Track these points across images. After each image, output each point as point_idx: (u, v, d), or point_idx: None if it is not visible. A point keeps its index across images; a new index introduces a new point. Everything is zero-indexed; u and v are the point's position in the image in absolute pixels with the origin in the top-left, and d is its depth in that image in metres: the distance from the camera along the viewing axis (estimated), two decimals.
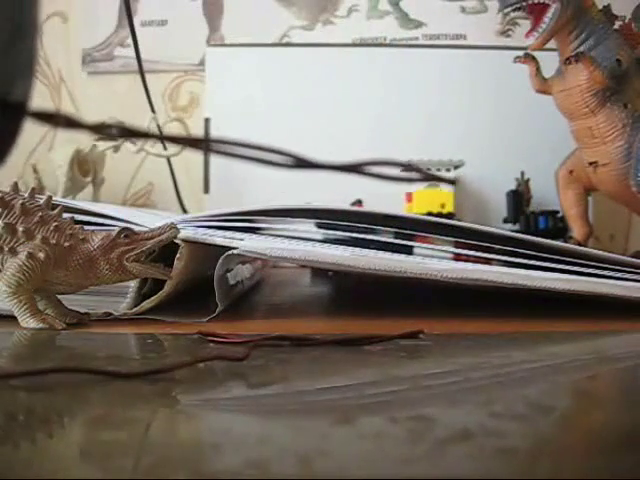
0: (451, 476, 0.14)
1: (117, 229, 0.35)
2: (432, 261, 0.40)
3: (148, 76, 0.93)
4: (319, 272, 0.68)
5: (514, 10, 0.62)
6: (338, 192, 0.91)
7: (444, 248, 0.43)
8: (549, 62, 0.65)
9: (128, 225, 0.37)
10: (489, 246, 0.41)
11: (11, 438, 0.17)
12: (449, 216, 0.80)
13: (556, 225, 0.78)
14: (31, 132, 1.08)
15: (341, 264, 0.38)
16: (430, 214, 0.80)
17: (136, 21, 0.92)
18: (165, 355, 0.31)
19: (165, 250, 0.36)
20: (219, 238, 0.38)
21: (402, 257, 0.40)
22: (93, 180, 0.92)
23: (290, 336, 0.30)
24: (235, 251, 0.37)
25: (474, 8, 1.06)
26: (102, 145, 0.91)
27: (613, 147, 0.62)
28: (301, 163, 0.16)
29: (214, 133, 0.98)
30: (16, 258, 0.33)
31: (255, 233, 0.41)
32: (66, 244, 0.34)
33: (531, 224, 0.80)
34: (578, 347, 0.33)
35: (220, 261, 0.37)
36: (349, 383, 0.24)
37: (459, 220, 0.71)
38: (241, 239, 0.39)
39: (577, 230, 0.71)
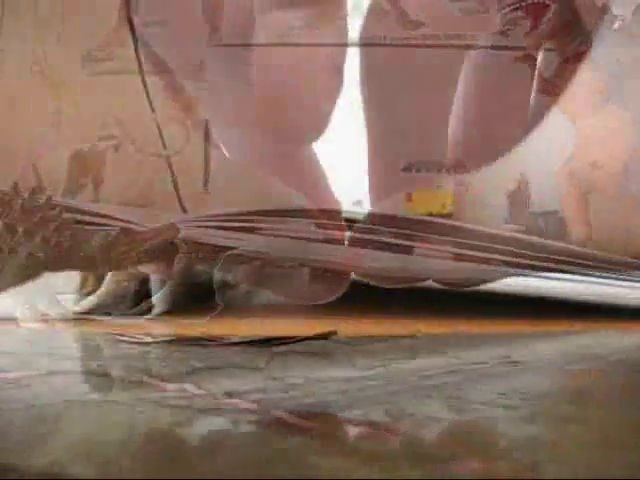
0: (451, 476, 0.14)
1: (117, 229, 0.35)
2: (432, 261, 0.40)
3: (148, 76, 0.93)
4: None
5: (513, 10, 0.62)
6: (338, 192, 0.92)
7: (444, 248, 0.43)
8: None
9: (128, 225, 0.37)
10: (489, 246, 0.41)
11: (13, 436, 0.17)
12: (449, 216, 0.80)
13: (556, 225, 0.78)
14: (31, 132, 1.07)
15: (341, 264, 0.38)
16: (430, 214, 0.80)
17: (136, 21, 0.92)
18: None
19: (165, 250, 0.36)
20: (219, 238, 0.38)
21: (402, 257, 0.40)
22: (93, 180, 0.92)
23: (290, 336, 0.30)
24: (235, 251, 0.36)
25: (474, 8, 1.06)
26: (102, 145, 0.91)
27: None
28: None
29: (214, 133, 0.98)
30: (16, 258, 0.33)
31: (255, 233, 0.41)
32: (66, 244, 0.34)
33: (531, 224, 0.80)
34: (577, 347, 0.33)
35: (220, 261, 0.37)
36: (345, 378, 0.24)
37: (459, 220, 0.71)
38: (241, 239, 0.39)
39: (577, 230, 0.70)
